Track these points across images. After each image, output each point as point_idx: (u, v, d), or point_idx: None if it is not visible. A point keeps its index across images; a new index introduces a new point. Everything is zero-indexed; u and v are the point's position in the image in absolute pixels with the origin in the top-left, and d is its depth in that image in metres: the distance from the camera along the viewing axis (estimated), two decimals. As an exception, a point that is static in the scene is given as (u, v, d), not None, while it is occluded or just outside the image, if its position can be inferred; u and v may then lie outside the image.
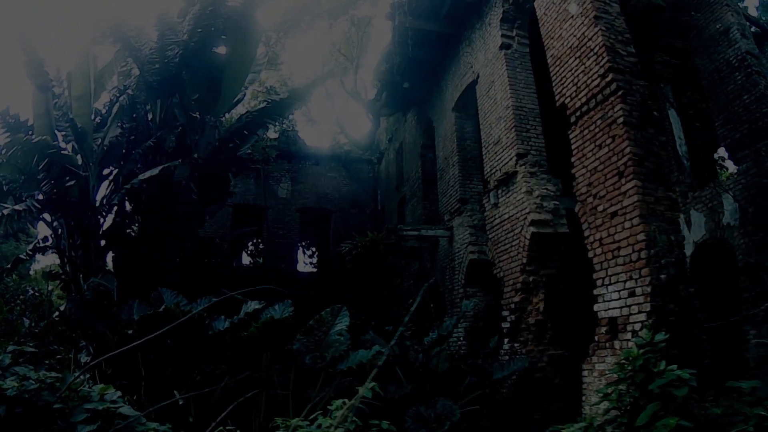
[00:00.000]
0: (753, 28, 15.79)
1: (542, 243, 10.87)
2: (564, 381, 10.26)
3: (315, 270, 30.20)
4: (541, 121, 12.04)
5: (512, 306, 11.21)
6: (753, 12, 19.98)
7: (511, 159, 11.69)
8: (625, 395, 6.08)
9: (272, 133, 25.66)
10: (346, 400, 5.43)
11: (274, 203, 24.86)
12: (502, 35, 12.58)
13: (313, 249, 32.81)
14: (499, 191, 12.13)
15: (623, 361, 6.15)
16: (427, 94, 18.13)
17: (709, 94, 12.66)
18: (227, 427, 5.09)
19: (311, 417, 5.17)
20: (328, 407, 5.52)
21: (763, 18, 17.13)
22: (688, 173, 12.96)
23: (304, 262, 32.83)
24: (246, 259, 30.46)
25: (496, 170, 12.37)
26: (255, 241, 29.76)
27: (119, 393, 5.08)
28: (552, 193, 11.09)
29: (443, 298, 14.98)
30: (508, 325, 11.29)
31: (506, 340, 11.27)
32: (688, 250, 11.86)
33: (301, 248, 32.48)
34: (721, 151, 14.80)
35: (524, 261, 10.95)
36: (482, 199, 13.27)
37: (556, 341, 10.93)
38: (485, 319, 13.20)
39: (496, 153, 12.51)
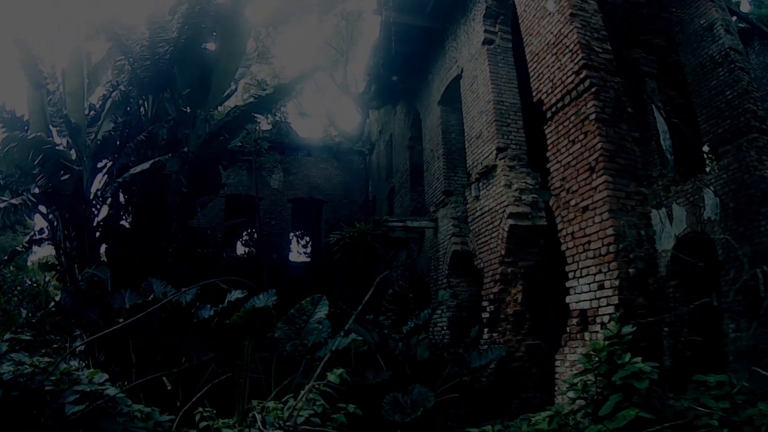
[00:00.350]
0: (742, 24, 16.01)
1: (520, 235, 11.14)
2: (541, 371, 10.51)
3: (309, 260, 30.47)
4: (524, 116, 12.26)
5: (491, 297, 11.50)
6: (746, 6, 20.04)
7: (491, 153, 11.96)
8: (591, 386, 6.25)
9: (265, 125, 25.92)
10: (316, 384, 5.80)
11: (267, 194, 25.09)
12: (485, 30, 12.81)
13: (307, 239, 33.03)
14: (480, 184, 12.42)
15: (590, 353, 6.31)
16: (415, 87, 18.36)
17: (693, 90, 12.71)
18: (206, 408, 5.47)
19: (283, 399, 5.51)
20: (301, 391, 5.89)
21: (756, 13, 17.26)
22: (672, 167, 13.04)
23: (298, 252, 33.11)
24: (241, 249, 30.70)
25: (478, 163, 12.64)
26: (249, 231, 29.94)
27: (107, 376, 5.43)
28: (531, 187, 11.35)
29: (429, 288, 15.25)
30: (487, 315, 11.58)
31: (486, 330, 11.55)
32: (670, 244, 12.08)
33: (295, 238, 32.74)
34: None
35: (503, 253, 11.23)
36: (465, 192, 13.55)
37: (533, 332, 11.18)
38: (468, 309, 13.44)
39: (477, 146, 12.78)
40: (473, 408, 10.26)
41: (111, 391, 5.09)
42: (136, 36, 13.48)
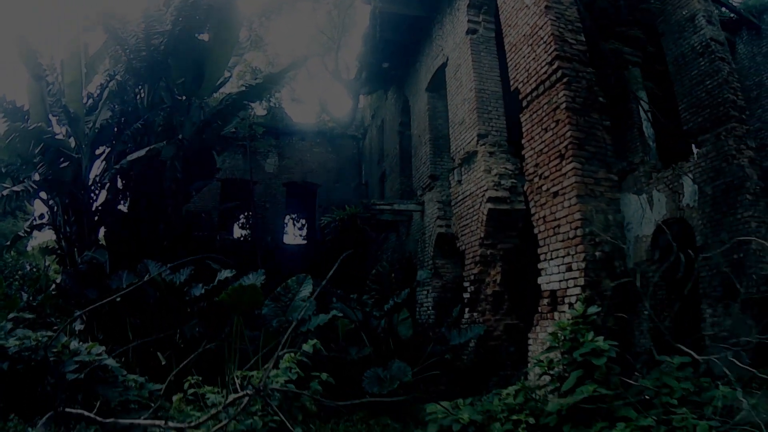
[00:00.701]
0: (730, 14, 16.26)
1: (499, 219, 11.59)
2: (519, 349, 10.82)
3: (305, 242, 30.88)
4: (508, 103, 12.48)
5: (472, 277, 11.98)
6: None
7: (472, 139, 12.39)
8: (557, 363, 6.72)
9: (261, 111, 26.32)
10: (292, 354, 6.35)
11: (262, 178, 25.46)
12: (469, 20, 13.19)
13: (303, 221, 33.44)
14: (463, 169, 12.89)
15: (557, 331, 6.74)
16: (404, 74, 18.76)
17: (674, 79, 12.98)
18: (194, 377, 6.05)
19: (264, 367, 6.05)
20: (280, 360, 6.46)
21: (745, 3, 17.42)
22: (654, 154, 13.33)
23: (294, 235, 33.56)
24: (238, 232, 31.09)
25: (460, 149, 13.09)
26: (246, 214, 30.31)
27: (104, 348, 5.98)
28: (510, 172, 11.75)
29: (416, 269, 15.59)
30: (468, 295, 12.06)
31: (467, 310, 12.04)
32: (650, 229, 12.42)
33: (291, 221, 33.22)
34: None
35: (482, 235, 11.68)
36: (449, 176, 13.97)
37: (512, 312, 11.65)
38: (453, 290, 13.84)
39: (460, 133, 13.21)
40: (455, 385, 10.62)
41: (108, 361, 5.63)
42: (132, 28, 13.88)
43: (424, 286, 14.46)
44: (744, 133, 11.46)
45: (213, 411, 4.86)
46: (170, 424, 4.69)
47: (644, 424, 5.49)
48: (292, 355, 6.36)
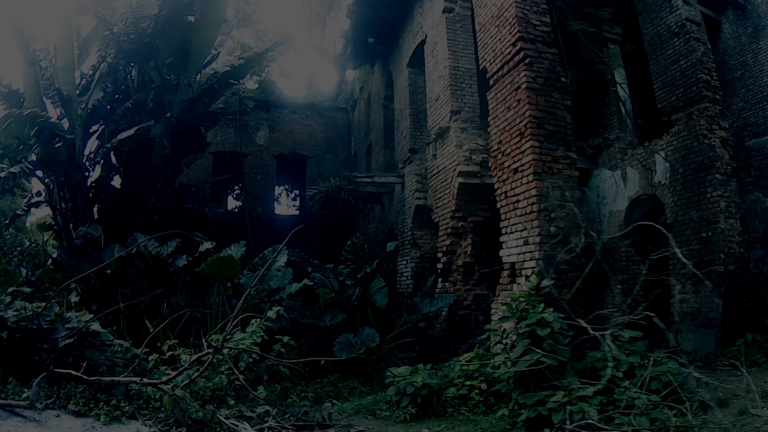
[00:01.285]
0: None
1: (469, 192, 12.16)
2: (487, 318, 11.14)
3: (297, 212, 31.39)
4: (483, 80, 12.93)
5: (444, 248, 12.59)
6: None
7: (446, 114, 12.92)
8: (510, 332, 7.26)
9: (252, 84, 26.74)
10: (258, 319, 7.07)
11: (253, 150, 25.87)
12: (446, -1, 13.55)
13: (296, 192, 33.92)
14: (437, 144, 13.45)
15: (511, 302, 7.23)
16: (388, 49, 19.15)
17: (650, 58, 13.28)
18: (172, 341, 6.77)
19: (233, 332, 6.75)
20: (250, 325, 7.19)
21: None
22: (630, 131, 13.61)
23: (288, 206, 34.08)
24: (232, 204, 31.59)
25: (435, 124, 13.62)
26: (240, 185, 30.82)
27: (92, 315, 6.68)
28: (481, 147, 12.24)
29: (397, 240, 16.18)
30: (441, 266, 12.66)
31: (440, 280, 12.64)
32: (623, 204, 12.88)
33: (285, 192, 33.73)
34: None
35: (454, 208, 12.28)
36: (426, 150, 14.54)
37: (482, 282, 12.23)
38: (431, 260, 14.34)
39: (436, 108, 13.73)
40: (427, 352, 11.25)
41: (95, 327, 6.32)
42: (120, 12, 14.40)
43: (403, 257, 15.09)
44: (716, 114, 11.77)
45: (181, 369, 5.55)
46: (145, 380, 5.40)
47: (585, 393, 5.95)
48: (259, 320, 7.06)
